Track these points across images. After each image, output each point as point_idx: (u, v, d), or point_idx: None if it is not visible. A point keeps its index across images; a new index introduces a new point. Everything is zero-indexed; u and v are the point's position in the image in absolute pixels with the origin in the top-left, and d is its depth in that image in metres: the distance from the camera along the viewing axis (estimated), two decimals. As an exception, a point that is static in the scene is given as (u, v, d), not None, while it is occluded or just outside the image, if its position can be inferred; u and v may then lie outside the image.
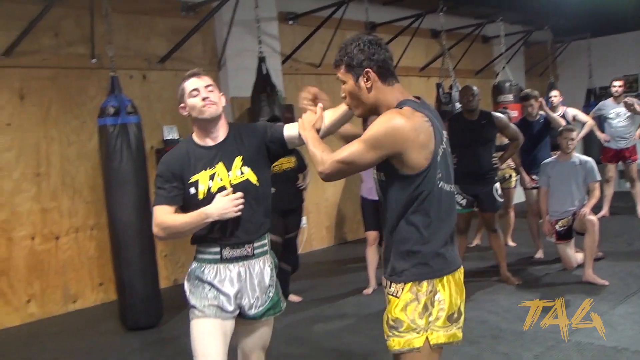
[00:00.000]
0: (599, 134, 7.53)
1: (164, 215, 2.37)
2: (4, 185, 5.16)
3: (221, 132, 2.46)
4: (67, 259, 5.49)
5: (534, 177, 5.81)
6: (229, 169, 2.41)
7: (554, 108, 7.22)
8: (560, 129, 5.43)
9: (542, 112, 6.00)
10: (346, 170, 2.13)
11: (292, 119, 6.78)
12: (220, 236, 2.39)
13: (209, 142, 2.44)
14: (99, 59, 5.53)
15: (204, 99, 2.38)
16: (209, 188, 2.38)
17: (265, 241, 2.52)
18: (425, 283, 2.07)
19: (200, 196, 2.37)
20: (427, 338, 2.07)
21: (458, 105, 6.99)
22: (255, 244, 2.46)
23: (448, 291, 2.10)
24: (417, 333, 2.07)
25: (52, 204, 5.42)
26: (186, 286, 2.47)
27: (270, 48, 6.78)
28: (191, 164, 2.39)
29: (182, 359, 4.06)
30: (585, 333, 3.94)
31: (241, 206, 2.33)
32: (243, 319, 2.49)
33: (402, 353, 2.09)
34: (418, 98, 2.12)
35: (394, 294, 2.11)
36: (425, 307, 2.07)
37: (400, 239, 2.11)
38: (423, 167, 2.00)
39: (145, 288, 4.69)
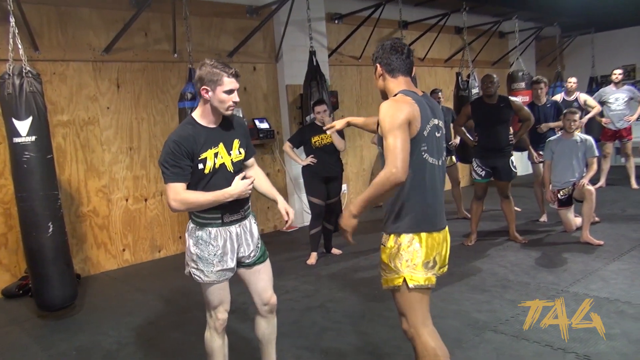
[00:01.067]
0: (596, 110, 7.12)
1: (185, 192, 2.29)
2: (105, 157, 5.27)
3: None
4: (153, 216, 5.60)
5: (540, 152, 5.59)
6: (229, 149, 2.41)
7: (569, 92, 6.95)
8: (565, 111, 5.18)
9: (552, 98, 5.73)
10: (406, 156, 2.02)
11: (337, 103, 6.71)
12: (223, 205, 2.37)
13: (212, 125, 2.38)
14: (179, 54, 5.53)
15: (234, 102, 2.34)
16: (214, 164, 2.35)
17: (250, 204, 2.55)
18: (403, 235, 2.16)
19: (207, 171, 2.34)
20: (404, 279, 2.15)
21: (474, 91, 6.75)
22: (245, 207, 2.49)
23: (424, 244, 2.16)
24: (397, 274, 2.16)
25: (142, 172, 5.52)
26: (191, 248, 2.42)
27: (319, 43, 6.66)
28: (199, 142, 2.32)
29: (244, 296, 4.13)
30: (583, 285, 3.80)
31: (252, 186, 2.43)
32: (245, 267, 2.53)
33: (389, 289, 2.22)
34: (423, 93, 2.25)
35: (383, 243, 2.22)
36: (403, 254, 2.16)
37: (390, 198, 2.20)
38: (414, 134, 2.08)
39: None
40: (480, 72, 7.68)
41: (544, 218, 5.94)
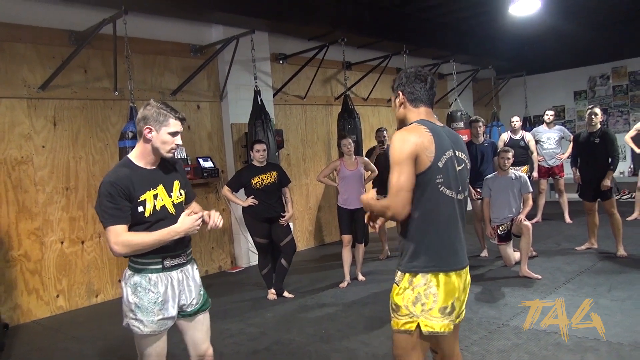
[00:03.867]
0: (535, 157, 7.60)
1: (127, 234, 2.21)
2: (39, 198, 5.07)
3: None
4: (91, 259, 5.39)
5: (478, 189, 5.85)
6: (169, 190, 2.37)
7: (515, 131, 7.41)
8: (499, 150, 5.53)
9: (501, 136, 6.09)
10: (405, 195, 1.99)
11: (282, 142, 6.78)
12: (162, 249, 2.29)
13: (149, 166, 2.35)
14: (120, 92, 5.46)
15: (177, 145, 2.34)
16: (154, 206, 2.30)
17: (191, 249, 2.49)
18: (419, 276, 2.05)
19: (147, 214, 2.28)
20: (418, 324, 2.04)
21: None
22: (187, 251, 2.43)
23: (442, 287, 2.04)
24: (410, 318, 2.05)
25: (79, 213, 5.33)
26: (129, 297, 2.30)
27: (264, 82, 6.77)
28: (136, 183, 2.26)
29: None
30: (523, 318, 3.94)
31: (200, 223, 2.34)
32: (186, 317, 2.45)
33: (399, 333, 2.09)
34: (442, 125, 2.20)
35: (396, 282, 2.12)
36: (418, 297, 2.04)
37: (404, 233, 2.11)
38: (426, 166, 2.01)
39: (156, 283, 4.61)
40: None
41: (484, 253, 6.15)
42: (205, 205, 6.38)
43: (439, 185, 2.04)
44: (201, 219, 2.34)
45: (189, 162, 6.06)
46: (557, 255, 5.88)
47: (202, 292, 2.50)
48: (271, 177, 4.95)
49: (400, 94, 2.20)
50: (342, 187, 5.38)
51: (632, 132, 7.49)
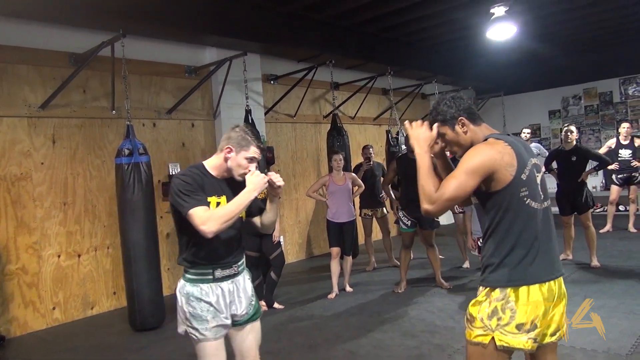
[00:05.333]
0: None
1: (209, 211, 2.18)
2: (37, 213, 5.01)
3: None
4: (87, 272, 5.32)
5: (460, 203, 5.86)
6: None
7: None
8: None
9: None
10: (452, 204, 1.94)
11: (272, 158, 6.78)
12: (212, 260, 2.29)
13: (219, 177, 2.36)
14: (118, 111, 5.44)
15: (249, 170, 2.32)
16: None
17: (244, 259, 2.46)
18: (497, 290, 1.91)
19: None
20: (493, 338, 1.90)
21: (404, 147, 7.06)
22: (239, 263, 2.40)
23: (523, 302, 1.88)
24: (485, 331, 1.92)
25: (76, 227, 5.27)
26: (184, 306, 2.29)
27: (256, 102, 6.79)
28: (205, 185, 2.28)
29: (180, 353, 3.98)
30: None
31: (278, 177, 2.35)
32: (236, 326, 2.40)
33: (472, 344, 1.96)
34: (507, 134, 2.07)
35: (478, 294, 2.00)
36: (495, 311, 1.91)
37: (487, 248, 1.98)
38: (508, 181, 1.88)
39: (150, 295, 4.56)
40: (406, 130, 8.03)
41: (466, 264, 6.16)
42: (199, 219, 6.33)
43: (525, 199, 1.90)
44: (266, 178, 2.29)
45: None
46: (534, 266, 5.89)
47: (253, 303, 2.44)
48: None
49: (465, 119, 2.02)
50: (331, 201, 5.38)
51: (604, 149, 7.60)
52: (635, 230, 7.53)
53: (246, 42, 6.15)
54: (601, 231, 7.46)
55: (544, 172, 2.18)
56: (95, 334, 4.72)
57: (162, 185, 5.92)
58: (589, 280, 5.11)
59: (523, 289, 1.89)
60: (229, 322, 2.32)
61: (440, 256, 6.65)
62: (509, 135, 2.05)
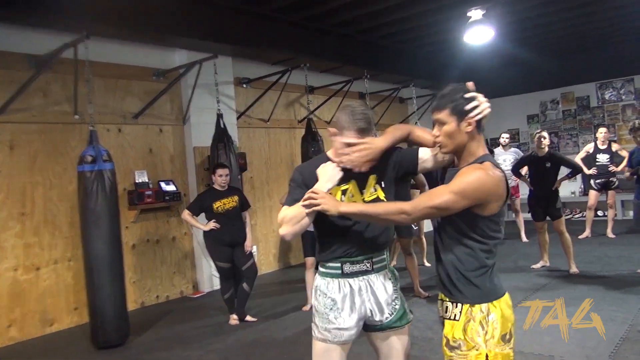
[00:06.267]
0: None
1: (285, 211, 2.08)
2: (-8, 224, 4.87)
3: None
4: (46, 287, 5.17)
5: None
6: (362, 187, 2.15)
7: None
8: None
9: None
10: (435, 215, 1.95)
11: (245, 165, 6.73)
12: (341, 252, 2.13)
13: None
14: (81, 116, 5.34)
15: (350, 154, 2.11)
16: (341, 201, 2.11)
17: (384, 256, 2.22)
18: (477, 305, 1.91)
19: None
20: (486, 355, 1.89)
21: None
22: (375, 259, 2.17)
23: (500, 312, 1.92)
24: (478, 350, 1.90)
25: (35, 239, 5.12)
26: (313, 299, 2.21)
27: (227, 106, 6.74)
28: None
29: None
30: (480, 339, 3.96)
31: (358, 154, 2.04)
32: (377, 331, 2.21)
33: None
34: (490, 151, 2.05)
35: (450, 316, 1.96)
36: (482, 327, 1.90)
37: (459, 265, 1.95)
38: (494, 212, 1.90)
39: (114, 311, 4.45)
40: (382, 134, 8.07)
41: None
42: (167, 229, 6.25)
43: (499, 224, 1.96)
44: (339, 170, 2.08)
45: (150, 185, 5.94)
46: (514, 273, 5.97)
47: (397, 306, 2.20)
48: (233, 201, 4.90)
49: (472, 116, 1.94)
50: (305, 210, 5.36)
51: (582, 154, 7.77)
52: (613, 236, 7.70)
53: (217, 44, 6.11)
54: (580, 237, 7.61)
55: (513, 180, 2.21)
56: (54, 352, 4.58)
57: (127, 193, 5.81)
58: (567, 288, 5.19)
59: (499, 301, 1.93)
60: (351, 324, 2.13)
61: (428, 264, 6.72)
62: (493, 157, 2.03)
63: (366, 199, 2.13)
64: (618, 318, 4.14)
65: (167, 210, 6.22)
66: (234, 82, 7.04)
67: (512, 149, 8.36)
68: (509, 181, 8.12)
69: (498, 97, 10.90)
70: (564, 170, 5.87)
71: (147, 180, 5.95)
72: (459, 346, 1.92)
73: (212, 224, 4.82)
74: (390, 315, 2.18)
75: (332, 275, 2.15)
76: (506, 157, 8.01)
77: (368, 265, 2.16)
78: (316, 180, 2.09)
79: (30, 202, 5.11)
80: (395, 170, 2.20)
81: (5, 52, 4.96)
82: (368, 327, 2.21)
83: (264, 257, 7.40)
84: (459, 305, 1.94)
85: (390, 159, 2.19)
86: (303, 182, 2.15)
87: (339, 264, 2.14)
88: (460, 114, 1.94)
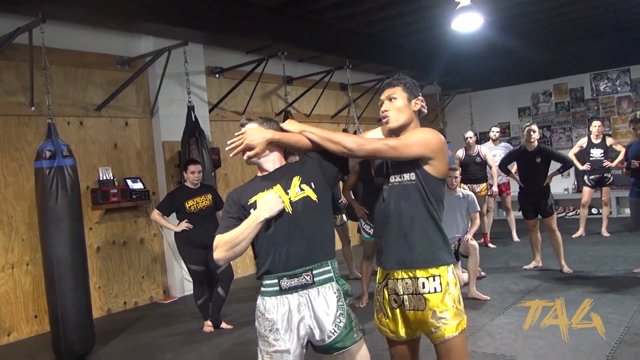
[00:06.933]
0: (494, 171, 7.75)
1: (222, 236, 2.15)
2: (-60, 225, 4.77)
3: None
4: (2, 293, 5.08)
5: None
6: (286, 188, 2.20)
7: (469, 147, 7.58)
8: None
9: (454, 154, 6.25)
10: (382, 154, 2.22)
11: (218, 161, 6.70)
12: (277, 266, 2.13)
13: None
14: (38, 107, 5.26)
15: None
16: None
17: (328, 267, 2.19)
18: (452, 265, 2.29)
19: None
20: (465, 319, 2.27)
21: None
22: (316, 271, 2.15)
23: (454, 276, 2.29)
24: (461, 316, 2.25)
25: (-11, 241, 5.05)
26: (256, 322, 2.21)
27: (199, 98, 6.71)
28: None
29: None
30: (472, 342, 4.03)
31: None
32: (323, 352, 2.21)
33: (456, 339, 2.22)
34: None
35: (435, 287, 2.23)
36: (457, 292, 2.27)
37: (425, 232, 2.27)
38: (445, 174, 2.31)
39: (78, 318, 4.39)
40: (367, 128, 8.12)
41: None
42: (135, 230, 6.20)
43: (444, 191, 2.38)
44: (281, 203, 2.14)
45: (116, 183, 5.89)
46: (505, 274, 6.08)
47: (341, 324, 2.16)
48: (206, 200, 4.89)
49: (421, 98, 2.35)
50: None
51: (575, 149, 7.92)
52: (608, 234, 7.87)
53: (187, 30, 6.08)
54: (573, 236, 7.76)
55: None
56: (11, 365, 4.52)
57: (91, 192, 5.74)
58: (560, 289, 5.29)
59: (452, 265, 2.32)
60: (290, 345, 2.11)
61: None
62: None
63: (293, 199, 2.17)
64: (614, 320, 4.24)
65: (135, 210, 6.17)
66: (206, 71, 7.01)
67: (503, 144, 8.49)
68: (499, 177, 8.25)
69: (488, 88, 11.08)
70: (555, 166, 5.97)
71: (112, 178, 5.88)
72: (447, 316, 2.21)
73: (184, 225, 4.79)
74: (333, 334, 2.13)
75: (270, 294, 2.15)
76: (496, 152, 8.11)
77: (308, 278, 2.13)
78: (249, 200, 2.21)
79: (-18, 202, 5.03)
80: (322, 171, 2.25)
81: (-47, 37, 4.86)
82: (315, 347, 2.21)
83: (240, 260, 7.39)
84: (435, 277, 2.24)
85: (310, 162, 2.27)
86: (235, 203, 2.24)
87: (275, 280, 2.14)
88: (411, 93, 2.33)
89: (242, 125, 2.31)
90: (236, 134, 2.26)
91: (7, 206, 5.17)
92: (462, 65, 10.46)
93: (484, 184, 7.63)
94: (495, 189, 7.68)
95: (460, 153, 7.71)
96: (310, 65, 8.34)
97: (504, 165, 6.41)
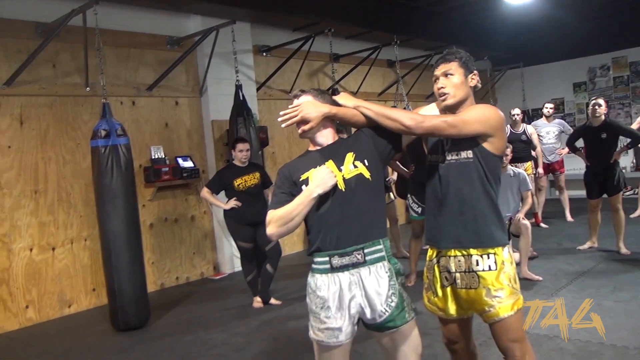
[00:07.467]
0: (539, 151, 7.53)
1: (275, 212, 2.13)
2: (5, 202, 4.99)
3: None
4: (62, 267, 5.32)
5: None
6: (339, 165, 2.16)
7: (515, 124, 7.37)
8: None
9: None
10: (441, 132, 2.17)
11: (266, 139, 6.74)
12: (328, 244, 2.11)
13: None
14: (92, 88, 5.40)
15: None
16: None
17: (380, 246, 2.15)
18: (501, 248, 2.24)
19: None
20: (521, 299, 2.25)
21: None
22: (367, 250, 2.12)
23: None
24: (517, 296, 2.23)
25: (49, 217, 5.25)
26: (307, 299, 2.21)
27: (246, 76, 6.74)
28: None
29: (167, 355, 3.99)
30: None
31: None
32: (375, 330, 2.20)
33: (509, 317, 2.19)
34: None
35: (489, 264, 2.21)
36: (513, 271, 2.25)
37: (481, 211, 2.23)
38: (503, 151, 2.28)
39: (133, 292, 4.56)
40: (415, 105, 8.01)
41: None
42: (186, 208, 6.34)
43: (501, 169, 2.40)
44: (334, 177, 2.11)
45: (167, 161, 6.02)
46: (558, 255, 5.92)
47: (393, 303, 2.12)
48: (254, 178, 4.93)
49: (477, 74, 2.29)
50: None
51: (635, 125, 7.54)
52: (669, 215, 7.54)
53: (235, 9, 6.10)
54: (632, 216, 7.48)
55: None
56: (73, 334, 4.73)
57: (144, 170, 5.90)
58: (618, 270, 5.12)
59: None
60: (342, 323, 2.10)
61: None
62: None
63: (346, 176, 2.13)
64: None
65: (185, 187, 6.31)
66: (253, 50, 7.02)
67: (557, 120, 8.19)
68: (552, 155, 7.98)
69: (541, 63, 10.69)
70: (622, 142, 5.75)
71: (163, 156, 6.02)
72: (502, 294, 2.19)
73: (233, 202, 4.86)
74: (384, 314, 2.11)
75: (321, 271, 2.14)
76: (550, 130, 7.86)
77: (359, 257, 2.11)
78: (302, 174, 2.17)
79: (43, 179, 5.23)
80: (376, 147, 2.21)
81: (11, 19, 5.02)
82: (367, 325, 2.19)
83: (288, 237, 7.46)
84: (490, 255, 2.21)
85: (364, 138, 2.22)
86: (287, 179, 2.20)
87: (327, 258, 2.12)
88: (467, 68, 2.26)
89: (296, 97, 2.26)
90: (290, 106, 2.21)
91: (66, 184, 5.37)
92: (514, 39, 10.12)
93: (529, 163, 7.38)
94: (540, 170, 7.44)
95: (506, 130, 7.48)
96: (357, 42, 8.24)
97: (570, 143, 6.20)
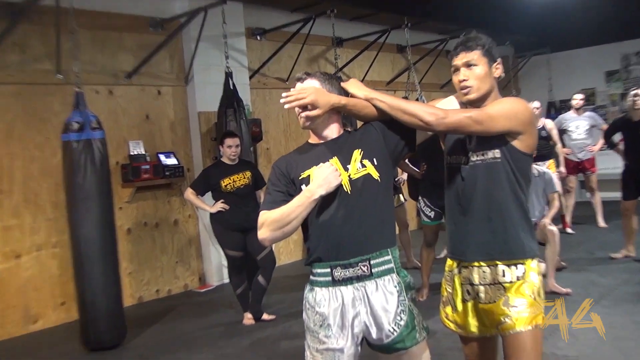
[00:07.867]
0: (559, 149, 7.49)
1: (269, 213, 2.08)
2: (-36, 203, 4.97)
3: None
4: (28, 277, 5.27)
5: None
6: (345, 163, 2.14)
7: (534, 118, 7.29)
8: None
9: None
10: (465, 129, 2.14)
11: (259, 133, 6.70)
12: (330, 254, 2.08)
13: None
14: (64, 75, 5.36)
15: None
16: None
17: (389, 257, 2.12)
18: (531, 260, 2.21)
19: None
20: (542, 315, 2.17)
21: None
22: (374, 261, 2.09)
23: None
24: (540, 310, 2.16)
25: (14, 221, 5.21)
26: (303, 315, 2.18)
27: (238, 63, 6.71)
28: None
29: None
30: (551, 343, 3.90)
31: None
32: (380, 351, 2.16)
33: (527, 334, 2.11)
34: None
35: (516, 275, 2.17)
36: (539, 285, 2.21)
37: (511, 217, 2.19)
38: (534, 149, 2.24)
39: (108, 306, 4.51)
40: (428, 96, 7.97)
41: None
42: (168, 211, 6.30)
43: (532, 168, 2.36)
44: (339, 177, 2.08)
45: (148, 158, 5.98)
46: (589, 265, 5.88)
47: (402, 322, 2.09)
48: (244, 177, 4.89)
49: (501, 62, 2.25)
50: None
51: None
52: None
53: (225, -13, 6.05)
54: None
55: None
56: (39, 354, 4.69)
57: (121, 168, 5.86)
58: (657, 283, 5.08)
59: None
60: (345, 344, 2.06)
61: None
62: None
63: (353, 176, 2.09)
64: None
65: (168, 188, 6.27)
66: (246, 33, 7.00)
67: (588, 113, 8.13)
68: (583, 153, 7.93)
69: (570, 49, 10.64)
70: None
71: (143, 152, 5.98)
72: (523, 308, 2.13)
73: (219, 205, 4.82)
74: (392, 334, 2.07)
75: (321, 284, 2.11)
76: (579, 124, 7.79)
77: (365, 268, 2.07)
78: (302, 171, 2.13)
79: (7, 178, 5.20)
80: (387, 144, 2.17)
81: (-27, -1, 5.00)
82: (371, 345, 2.16)
83: (284, 245, 7.43)
84: (518, 266, 2.18)
85: (374, 133, 2.18)
86: (284, 175, 2.15)
87: (328, 269, 2.09)
88: (491, 57, 2.21)
89: (300, 80, 2.21)
90: (293, 90, 2.15)
91: (33, 183, 5.33)
92: (539, 22, 10.02)
93: (550, 161, 7.30)
94: (562, 169, 7.37)
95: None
96: (363, 24, 8.22)
97: (608, 137, 6.21)
